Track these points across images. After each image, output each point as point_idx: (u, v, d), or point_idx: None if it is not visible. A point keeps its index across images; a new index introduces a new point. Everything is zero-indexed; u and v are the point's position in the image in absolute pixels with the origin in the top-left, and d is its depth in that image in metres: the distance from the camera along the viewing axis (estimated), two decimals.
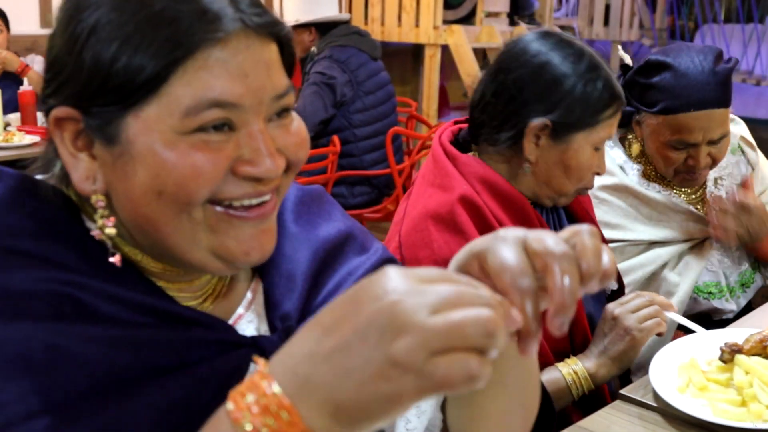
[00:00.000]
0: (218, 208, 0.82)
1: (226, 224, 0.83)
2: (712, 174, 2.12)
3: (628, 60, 2.06)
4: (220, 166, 0.80)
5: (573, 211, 1.78)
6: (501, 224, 1.52)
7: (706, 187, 2.13)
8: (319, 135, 4.18)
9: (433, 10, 6.28)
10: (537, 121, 1.52)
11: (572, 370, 1.55)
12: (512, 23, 7.07)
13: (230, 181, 0.81)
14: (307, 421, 0.62)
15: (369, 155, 4.35)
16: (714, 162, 1.99)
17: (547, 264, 0.68)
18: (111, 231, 0.84)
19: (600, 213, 2.01)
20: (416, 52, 7.23)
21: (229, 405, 0.65)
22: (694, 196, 2.12)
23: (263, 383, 0.64)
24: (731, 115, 2.19)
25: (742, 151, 2.20)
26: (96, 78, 0.78)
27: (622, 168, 2.09)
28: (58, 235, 0.83)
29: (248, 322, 0.95)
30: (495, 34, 6.49)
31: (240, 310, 0.95)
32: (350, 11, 6.48)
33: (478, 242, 0.73)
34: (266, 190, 0.84)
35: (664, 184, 2.09)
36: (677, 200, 2.06)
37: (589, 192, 2.04)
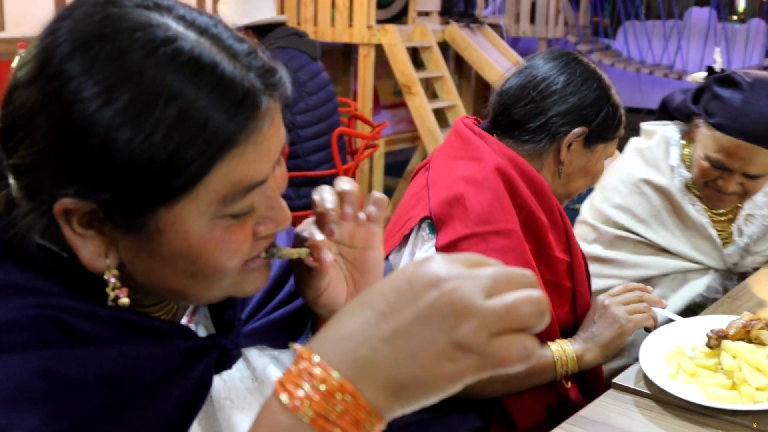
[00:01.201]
0: (244, 268, 0.84)
1: (247, 272, 0.85)
2: (747, 209, 2.14)
3: (718, 65, 2.07)
4: (248, 238, 0.81)
5: None
6: (528, 201, 1.63)
7: (736, 217, 2.14)
8: None
9: (367, 10, 6.29)
10: (579, 129, 1.67)
11: (561, 348, 1.61)
12: (444, 22, 7.13)
13: (253, 244, 0.83)
14: (371, 402, 0.64)
15: (314, 156, 4.34)
16: (745, 194, 2.01)
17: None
18: (125, 302, 0.80)
19: (634, 203, 2.06)
20: (346, 51, 7.24)
21: (283, 397, 0.65)
22: (721, 218, 2.13)
23: (316, 370, 0.65)
24: None
25: None
26: (128, 175, 0.72)
27: (672, 169, 2.08)
28: (29, 260, 0.79)
29: (196, 324, 0.96)
30: (427, 33, 6.54)
31: (185, 318, 0.96)
32: (282, 12, 6.44)
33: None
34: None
35: (700, 198, 2.09)
36: (705, 221, 2.07)
37: (631, 179, 2.12)
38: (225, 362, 0.91)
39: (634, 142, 2.19)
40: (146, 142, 0.71)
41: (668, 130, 2.13)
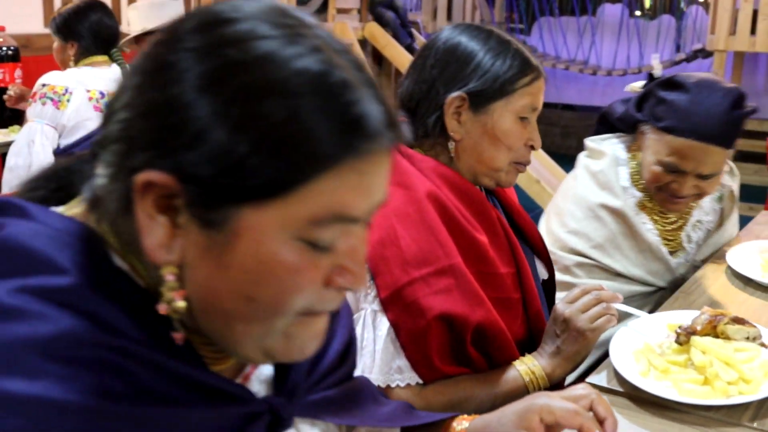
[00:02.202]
0: (300, 317, 0.78)
1: (299, 328, 0.79)
2: (696, 216, 2.18)
3: (657, 71, 2.09)
4: (319, 280, 0.76)
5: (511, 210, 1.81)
6: (464, 218, 1.56)
7: (686, 223, 2.18)
8: None
9: None
10: (453, 95, 1.56)
11: (529, 369, 1.55)
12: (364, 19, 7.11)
13: (322, 292, 0.77)
14: None
15: None
16: (700, 195, 2.04)
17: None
18: (181, 305, 0.75)
19: (590, 228, 2.06)
20: None
21: None
22: (672, 226, 2.16)
23: None
24: (732, 165, 2.26)
25: (721, 204, 2.24)
26: (223, 161, 0.69)
27: (625, 190, 2.10)
28: (102, 284, 0.74)
29: (257, 379, 0.93)
30: (347, 30, 6.52)
31: (248, 367, 0.93)
32: None
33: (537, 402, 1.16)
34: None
35: (650, 214, 2.12)
36: (657, 239, 2.10)
37: (587, 204, 2.09)
38: (276, 428, 0.88)
39: (584, 162, 2.20)
40: (248, 135, 0.69)
41: (616, 149, 2.15)
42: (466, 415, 1.24)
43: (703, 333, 1.54)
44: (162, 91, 0.71)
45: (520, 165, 1.63)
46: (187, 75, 0.71)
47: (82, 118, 3.42)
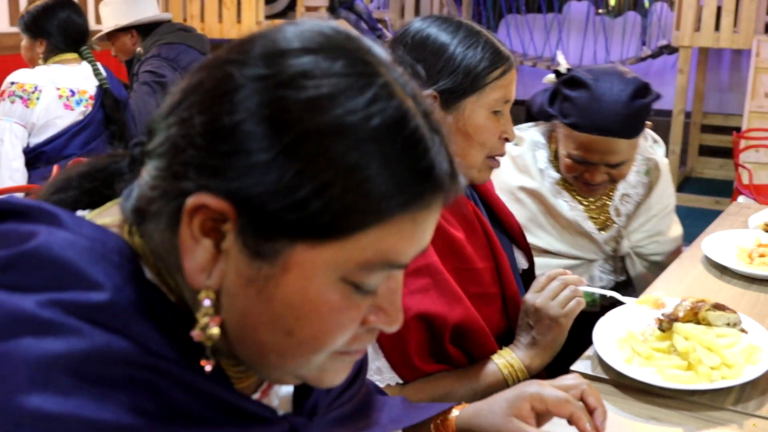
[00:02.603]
0: (335, 354, 0.77)
1: (333, 363, 0.78)
2: (621, 189, 2.24)
3: (562, 67, 2.14)
4: (358, 321, 0.75)
5: (498, 212, 1.81)
6: (441, 222, 1.54)
7: (611, 199, 2.24)
8: None
9: (255, 5, 6.20)
10: (424, 93, 1.52)
11: (507, 362, 1.55)
12: (334, 17, 7.10)
13: (357, 331, 0.76)
14: None
15: None
16: (614, 181, 2.11)
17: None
18: (215, 332, 0.72)
19: (513, 210, 2.07)
20: None
21: None
22: (594, 207, 2.23)
23: None
24: (654, 136, 2.33)
25: (649, 177, 2.29)
26: (288, 195, 0.67)
27: (541, 172, 2.18)
28: (136, 301, 0.72)
29: (275, 394, 0.92)
30: None
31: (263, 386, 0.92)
32: (167, 9, 6.27)
33: (528, 389, 1.21)
34: None
35: (572, 194, 2.20)
36: (580, 215, 2.18)
37: (508, 188, 2.12)
38: None
39: (507, 149, 2.24)
40: (315, 177, 0.67)
41: (534, 134, 2.25)
42: (462, 404, 1.25)
43: (685, 319, 1.56)
44: (225, 115, 0.69)
45: (494, 160, 1.61)
46: (252, 104, 0.68)
47: (52, 116, 3.38)
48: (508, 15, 9.05)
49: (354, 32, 0.76)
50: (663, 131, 7.72)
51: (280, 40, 0.72)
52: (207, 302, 0.72)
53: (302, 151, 0.66)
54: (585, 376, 1.50)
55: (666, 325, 1.54)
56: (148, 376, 0.69)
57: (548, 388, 1.19)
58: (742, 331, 1.58)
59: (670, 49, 7.74)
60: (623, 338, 1.58)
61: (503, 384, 1.53)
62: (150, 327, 0.71)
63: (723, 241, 2.20)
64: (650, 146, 2.33)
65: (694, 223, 6.43)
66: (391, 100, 0.70)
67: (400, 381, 1.48)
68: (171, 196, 0.71)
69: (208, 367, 0.73)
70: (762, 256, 2.06)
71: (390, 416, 1.16)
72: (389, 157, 0.68)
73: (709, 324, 1.57)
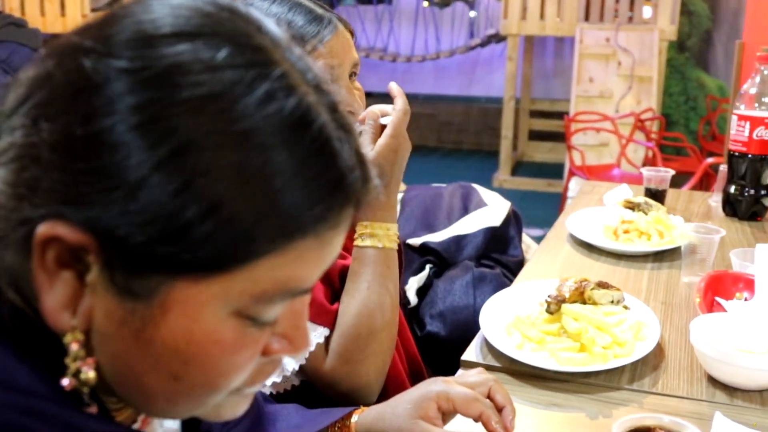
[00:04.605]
0: (233, 392, 0.65)
1: (230, 398, 0.65)
2: None
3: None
4: (257, 356, 0.63)
5: None
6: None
7: None
8: None
9: None
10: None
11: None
12: None
13: (259, 362, 0.64)
14: None
15: None
16: None
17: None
18: (90, 375, 0.60)
19: None
20: None
21: None
22: None
23: None
24: None
25: None
26: (163, 223, 0.54)
27: None
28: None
29: (158, 423, 0.79)
30: None
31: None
32: None
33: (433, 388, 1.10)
34: None
35: None
36: None
37: None
38: None
39: None
40: (198, 197, 0.54)
41: None
42: (361, 408, 1.15)
43: (572, 300, 1.52)
44: (81, 123, 0.54)
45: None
46: (119, 107, 0.54)
47: None
48: (339, 6, 9.02)
49: (239, 5, 0.61)
50: (494, 118, 7.92)
51: (147, 23, 0.57)
52: (75, 346, 0.59)
53: (181, 166, 0.53)
54: (476, 364, 1.44)
55: (554, 307, 1.50)
56: (20, 418, 0.55)
57: (455, 386, 1.11)
58: (625, 308, 1.56)
59: (498, 38, 7.95)
60: (511, 323, 1.52)
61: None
62: (15, 360, 0.57)
63: (585, 219, 2.21)
64: None
65: (532, 205, 6.66)
66: (290, 96, 0.57)
67: (327, 332, 1.34)
68: (15, 221, 0.56)
69: (93, 409, 0.61)
70: (626, 232, 2.07)
71: (287, 426, 1.07)
72: (288, 169, 0.56)
73: (594, 303, 1.54)
